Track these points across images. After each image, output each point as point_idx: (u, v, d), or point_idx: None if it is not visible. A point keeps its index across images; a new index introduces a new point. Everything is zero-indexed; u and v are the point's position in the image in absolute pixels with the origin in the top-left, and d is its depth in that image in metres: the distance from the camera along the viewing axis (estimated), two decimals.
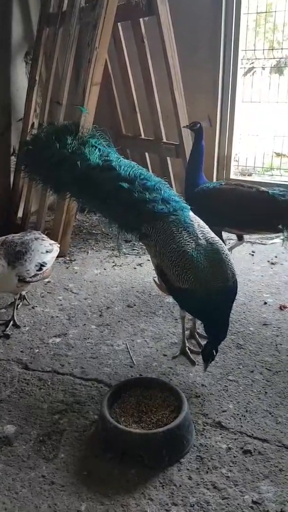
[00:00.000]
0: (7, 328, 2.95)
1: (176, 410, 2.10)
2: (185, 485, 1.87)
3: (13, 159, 4.61)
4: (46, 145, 2.68)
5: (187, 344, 2.70)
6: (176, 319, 3.02)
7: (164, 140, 4.46)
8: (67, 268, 3.85)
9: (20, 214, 4.57)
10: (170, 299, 3.18)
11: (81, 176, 2.55)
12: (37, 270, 2.91)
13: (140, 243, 3.53)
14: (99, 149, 2.63)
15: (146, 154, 4.75)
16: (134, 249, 4.13)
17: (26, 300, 3.27)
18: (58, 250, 3.20)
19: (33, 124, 4.38)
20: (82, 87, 3.65)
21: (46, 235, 3.33)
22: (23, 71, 4.63)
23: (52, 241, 3.18)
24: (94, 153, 2.60)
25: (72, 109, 3.82)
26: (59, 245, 3.25)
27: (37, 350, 2.74)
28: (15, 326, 2.99)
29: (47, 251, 3.01)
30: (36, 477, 1.90)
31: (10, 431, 2.13)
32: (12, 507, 1.78)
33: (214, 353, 2.31)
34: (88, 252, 4.16)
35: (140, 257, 4.00)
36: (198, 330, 2.84)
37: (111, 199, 2.50)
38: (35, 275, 2.91)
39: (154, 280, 2.74)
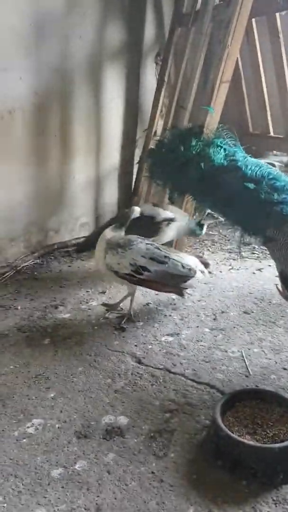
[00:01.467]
0: (123, 322, 3.03)
1: None
2: None
3: (135, 160, 4.75)
4: (170, 148, 2.70)
5: None
6: None
7: None
8: None
9: None
10: None
11: (204, 178, 2.52)
12: (132, 270, 2.89)
13: (262, 247, 3.39)
14: (225, 149, 2.57)
15: (275, 152, 4.55)
16: (254, 253, 3.98)
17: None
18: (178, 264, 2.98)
19: (155, 132, 4.46)
20: (211, 85, 3.61)
21: None
22: (153, 72, 4.73)
23: (180, 260, 3.00)
24: (219, 154, 2.54)
25: (198, 110, 3.80)
26: (193, 267, 3.02)
27: (150, 346, 2.77)
28: (130, 320, 3.06)
29: (151, 258, 2.91)
30: (146, 473, 1.91)
31: (123, 423, 2.17)
32: (121, 498, 1.80)
33: None
34: (203, 253, 4.11)
35: (260, 262, 3.83)
36: None
37: (235, 200, 2.42)
38: (130, 275, 2.90)
39: (277, 287, 2.60)
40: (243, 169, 2.44)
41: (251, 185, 2.36)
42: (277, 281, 2.52)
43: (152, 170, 2.95)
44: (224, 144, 2.58)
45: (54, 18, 3.79)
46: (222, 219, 3.22)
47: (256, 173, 2.41)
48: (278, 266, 2.43)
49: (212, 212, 3.50)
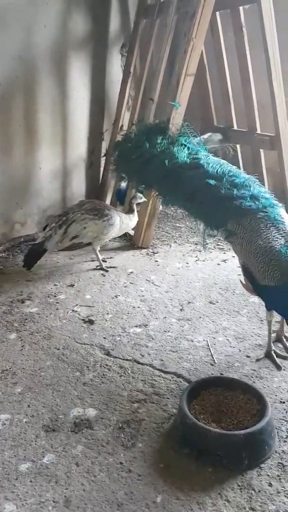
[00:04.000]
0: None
1: (258, 414, 2.03)
2: (264, 491, 1.79)
3: (103, 151, 4.73)
4: (136, 145, 2.76)
5: (273, 348, 2.59)
6: (262, 320, 2.91)
7: (258, 131, 4.30)
8: (149, 260, 3.87)
9: None
10: (255, 298, 3.07)
11: (168, 174, 2.59)
12: None
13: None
14: (188, 147, 2.67)
15: (238, 146, 4.61)
16: (218, 245, 4.05)
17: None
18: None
19: (121, 126, 4.45)
20: (176, 78, 3.62)
21: None
22: (119, 63, 4.70)
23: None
24: (182, 152, 2.64)
25: (164, 103, 3.81)
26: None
27: (118, 338, 2.79)
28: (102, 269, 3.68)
29: None
30: (114, 463, 1.93)
31: (91, 415, 2.18)
32: (90, 489, 1.82)
33: None
34: (171, 245, 4.15)
35: (224, 253, 3.91)
36: (286, 334, 2.71)
37: (198, 196, 2.51)
38: None
39: (240, 280, 2.66)
40: (205, 166, 2.53)
41: (212, 182, 2.46)
42: (241, 272, 2.59)
43: (117, 164, 2.99)
44: (188, 143, 2.68)
45: (17, 6, 3.70)
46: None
47: (217, 170, 2.51)
48: (240, 260, 2.51)
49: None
